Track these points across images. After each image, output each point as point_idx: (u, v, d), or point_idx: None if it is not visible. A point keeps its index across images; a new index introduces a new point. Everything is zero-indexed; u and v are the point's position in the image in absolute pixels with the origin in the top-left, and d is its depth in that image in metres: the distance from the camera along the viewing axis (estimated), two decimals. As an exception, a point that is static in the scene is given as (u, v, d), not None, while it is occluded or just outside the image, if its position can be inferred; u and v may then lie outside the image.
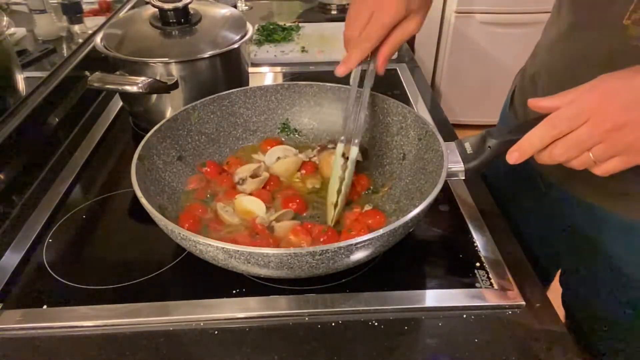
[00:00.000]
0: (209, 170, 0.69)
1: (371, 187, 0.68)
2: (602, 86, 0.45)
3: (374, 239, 0.47)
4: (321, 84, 0.75)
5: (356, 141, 0.62)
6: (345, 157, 0.62)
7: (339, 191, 0.62)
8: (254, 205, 0.63)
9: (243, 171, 0.68)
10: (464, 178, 0.58)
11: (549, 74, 0.69)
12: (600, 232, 0.65)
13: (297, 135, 0.77)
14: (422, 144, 0.64)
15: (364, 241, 0.47)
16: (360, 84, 0.63)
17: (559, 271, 0.79)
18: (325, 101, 0.75)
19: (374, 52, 0.61)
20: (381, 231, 0.47)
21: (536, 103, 0.48)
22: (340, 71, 0.60)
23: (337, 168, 0.62)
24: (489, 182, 0.86)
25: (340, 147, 0.63)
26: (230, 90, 0.73)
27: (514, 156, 0.49)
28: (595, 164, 0.46)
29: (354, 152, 0.62)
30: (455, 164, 0.57)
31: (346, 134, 0.63)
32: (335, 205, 0.62)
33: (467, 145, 0.58)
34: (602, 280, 0.67)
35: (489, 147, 0.55)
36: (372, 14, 0.58)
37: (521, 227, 0.76)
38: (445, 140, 0.60)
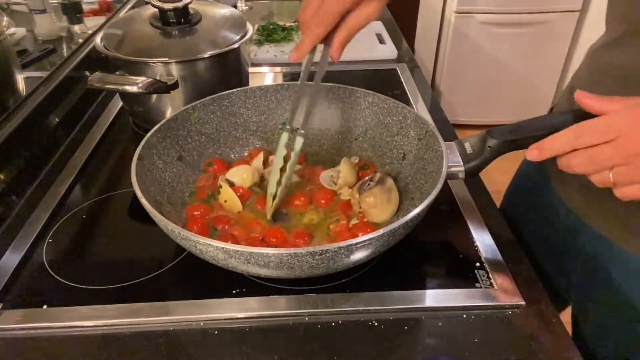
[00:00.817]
0: (215, 167, 0.70)
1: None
2: None
3: (374, 239, 0.47)
4: (321, 83, 0.75)
5: (302, 132, 0.61)
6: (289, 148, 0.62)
7: (278, 183, 0.62)
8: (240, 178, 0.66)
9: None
10: (463, 178, 0.58)
11: (589, 85, 0.63)
12: (615, 269, 0.61)
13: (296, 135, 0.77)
14: (422, 144, 0.64)
15: (364, 241, 0.47)
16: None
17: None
18: (325, 101, 0.75)
19: (329, 38, 0.57)
20: (381, 231, 0.47)
21: (583, 98, 0.45)
22: (293, 57, 0.58)
23: (279, 158, 0.62)
24: (504, 207, 0.83)
25: (284, 137, 0.62)
26: (230, 90, 0.73)
27: (533, 153, 0.47)
28: (615, 186, 0.44)
29: (299, 143, 0.61)
30: (455, 164, 0.57)
31: (291, 123, 0.63)
32: (274, 197, 0.62)
33: (467, 145, 0.58)
34: (617, 313, 0.63)
35: (489, 147, 0.55)
36: None
37: (537, 253, 0.73)
38: (445, 140, 0.60)
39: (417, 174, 0.64)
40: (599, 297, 0.64)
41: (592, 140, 0.43)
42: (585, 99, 0.45)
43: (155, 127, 0.64)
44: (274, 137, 0.77)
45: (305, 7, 0.57)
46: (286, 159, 0.62)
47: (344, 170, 0.67)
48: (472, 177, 0.59)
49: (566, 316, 0.70)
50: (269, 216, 0.63)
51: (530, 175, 0.77)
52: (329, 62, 0.59)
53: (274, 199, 0.62)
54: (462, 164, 0.57)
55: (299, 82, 0.62)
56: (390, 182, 0.63)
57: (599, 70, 0.61)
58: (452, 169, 0.57)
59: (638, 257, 0.57)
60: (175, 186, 0.65)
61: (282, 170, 0.62)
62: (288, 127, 0.63)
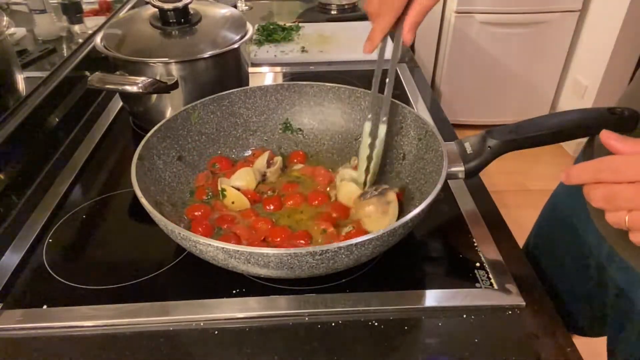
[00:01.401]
0: (219, 167, 0.70)
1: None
2: None
3: (374, 239, 0.47)
4: (321, 84, 0.75)
5: (384, 119, 0.62)
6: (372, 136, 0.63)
7: (366, 171, 0.64)
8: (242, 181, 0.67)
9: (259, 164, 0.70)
10: (463, 178, 0.58)
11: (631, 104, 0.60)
12: None
13: (299, 135, 0.77)
14: (422, 144, 0.64)
15: (364, 241, 0.47)
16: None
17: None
18: (325, 101, 0.75)
19: (399, 23, 0.58)
20: (381, 231, 0.47)
21: (607, 139, 0.42)
22: (366, 49, 0.59)
23: (365, 148, 0.64)
24: (537, 231, 0.81)
25: (367, 126, 0.64)
26: (231, 91, 0.73)
27: (562, 177, 0.45)
28: (629, 230, 0.41)
29: (382, 131, 0.63)
30: (455, 164, 0.57)
31: (373, 111, 0.63)
32: (367, 172, 0.64)
33: (467, 145, 0.58)
34: None
35: (489, 147, 0.55)
36: None
37: (559, 285, 0.72)
38: (445, 140, 0.60)
39: (417, 174, 0.64)
40: (629, 328, 0.62)
41: (613, 177, 0.40)
42: (610, 140, 0.42)
43: (155, 127, 0.64)
44: (274, 137, 0.77)
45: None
46: (371, 147, 0.64)
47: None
48: (472, 177, 0.59)
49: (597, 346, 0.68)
50: (366, 188, 0.65)
51: (567, 198, 0.74)
52: (397, 51, 0.60)
53: (366, 174, 0.64)
54: (462, 164, 0.57)
55: (375, 71, 0.63)
56: (391, 195, 0.62)
57: None
58: (452, 169, 0.57)
59: None
60: (175, 186, 0.65)
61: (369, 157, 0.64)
62: (369, 115, 0.64)
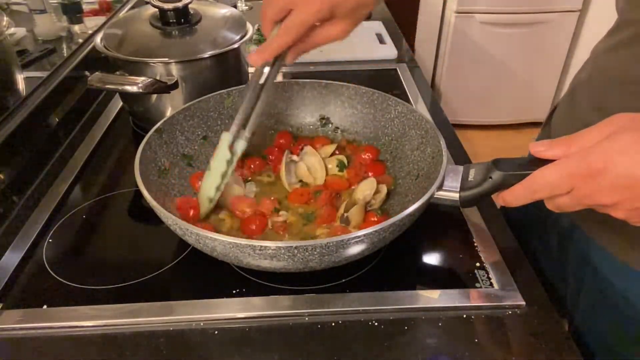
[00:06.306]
0: (282, 141, 0.74)
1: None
2: (616, 143, 0.38)
3: (370, 234, 0.48)
4: (357, 86, 0.75)
5: (247, 135, 0.59)
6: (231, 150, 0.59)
7: (218, 188, 0.59)
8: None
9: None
10: (459, 206, 0.55)
11: (589, 89, 0.62)
12: (603, 270, 0.60)
13: (335, 134, 0.77)
14: (433, 162, 0.62)
15: (359, 236, 0.48)
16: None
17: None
18: (358, 105, 0.75)
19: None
20: (379, 226, 0.48)
21: (533, 148, 0.44)
22: (253, 59, 0.56)
23: (222, 162, 0.58)
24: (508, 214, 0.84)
25: (227, 137, 0.58)
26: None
27: (499, 203, 0.48)
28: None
29: (242, 146, 0.59)
30: (450, 191, 0.55)
31: (237, 125, 0.59)
32: (211, 201, 0.60)
33: (472, 172, 0.54)
34: (603, 310, 0.62)
35: (491, 177, 0.51)
36: (295, 4, 0.53)
37: (538, 257, 0.74)
38: (446, 139, 0.60)
39: (420, 194, 0.62)
40: (588, 296, 0.64)
41: (547, 194, 0.43)
42: (536, 147, 0.44)
43: (184, 106, 0.68)
44: (305, 134, 0.77)
45: (269, 5, 0.55)
46: (228, 163, 0.59)
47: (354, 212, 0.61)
48: (469, 207, 0.56)
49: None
50: (202, 217, 0.61)
51: None
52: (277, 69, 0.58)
53: (210, 202, 0.60)
54: (457, 191, 0.54)
55: (250, 85, 0.59)
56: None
57: (603, 73, 0.60)
58: (445, 195, 0.54)
59: (625, 260, 0.57)
60: (193, 157, 0.69)
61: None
62: (234, 128, 0.59)
